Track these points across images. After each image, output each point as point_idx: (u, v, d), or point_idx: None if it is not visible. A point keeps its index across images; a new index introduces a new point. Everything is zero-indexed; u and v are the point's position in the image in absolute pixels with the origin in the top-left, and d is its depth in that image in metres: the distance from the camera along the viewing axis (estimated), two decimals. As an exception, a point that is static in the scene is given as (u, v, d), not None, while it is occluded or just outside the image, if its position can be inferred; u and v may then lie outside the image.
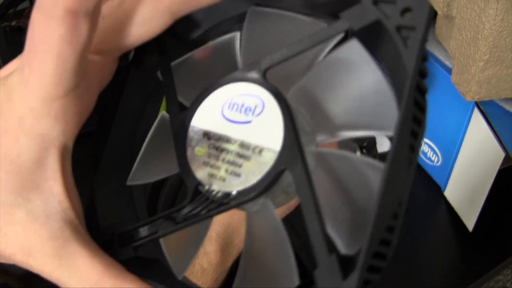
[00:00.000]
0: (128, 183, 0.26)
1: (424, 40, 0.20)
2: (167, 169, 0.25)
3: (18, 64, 0.22)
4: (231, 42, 0.25)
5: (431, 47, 0.49)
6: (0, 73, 0.23)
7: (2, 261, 0.22)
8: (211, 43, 0.26)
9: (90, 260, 0.21)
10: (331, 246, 0.20)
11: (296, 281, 0.21)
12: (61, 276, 0.21)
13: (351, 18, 0.21)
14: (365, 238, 0.18)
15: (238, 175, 0.22)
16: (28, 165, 0.21)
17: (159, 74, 0.25)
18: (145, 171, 0.26)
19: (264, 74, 0.22)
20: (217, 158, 0.22)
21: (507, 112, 0.45)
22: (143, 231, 0.23)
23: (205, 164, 0.22)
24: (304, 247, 0.27)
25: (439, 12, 0.46)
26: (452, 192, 0.51)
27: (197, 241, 0.25)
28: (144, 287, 0.22)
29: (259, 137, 0.22)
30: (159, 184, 0.43)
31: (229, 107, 0.23)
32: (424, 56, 0.21)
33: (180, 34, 0.26)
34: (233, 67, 0.25)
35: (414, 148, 0.21)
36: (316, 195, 0.20)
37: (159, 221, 0.23)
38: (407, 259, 0.47)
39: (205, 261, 0.38)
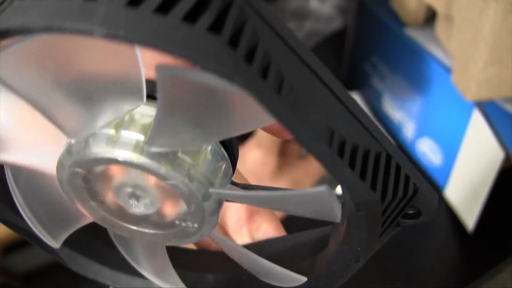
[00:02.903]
0: None
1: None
2: None
3: None
4: None
5: (431, 47, 0.49)
6: None
7: None
8: None
9: None
10: None
11: None
12: None
13: None
14: None
15: None
16: None
17: None
18: None
19: None
20: None
21: (507, 112, 0.45)
22: None
23: None
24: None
25: (439, 12, 0.46)
26: (452, 192, 0.51)
27: None
28: None
29: None
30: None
31: None
32: None
33: None
34: None
35: None
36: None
37: None
38: (407, 259, 0.47)
39: None
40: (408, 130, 0.55)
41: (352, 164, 0.18)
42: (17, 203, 0.24)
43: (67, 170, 0.20)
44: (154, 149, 0.19)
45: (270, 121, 0.16)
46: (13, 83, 0.17)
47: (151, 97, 0.19)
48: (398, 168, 0.20)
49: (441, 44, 0.48)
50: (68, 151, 0.20)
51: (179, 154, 0.19)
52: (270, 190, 0.20)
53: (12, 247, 0.52)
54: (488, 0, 0.38)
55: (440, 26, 0.48)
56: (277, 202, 0.20)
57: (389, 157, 0.20)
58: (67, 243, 0.25)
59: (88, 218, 0.24)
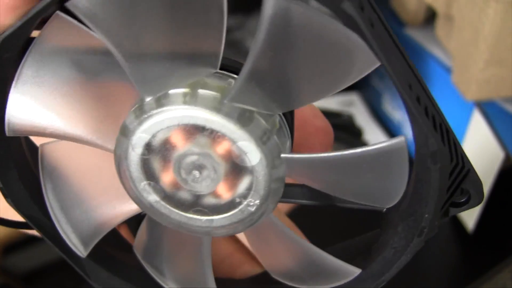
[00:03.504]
0: None
1: None
2: None
3: None
4: None
5: (431, 47, 0.49)
6: None
7: None
8: None
9: None
10: None
11: None
12: None
13: None
14: None
15: None
16: None
17: None
18: None
19: None
20: None
21: (507, 112, 0.45)
22: None
23: None
24: None
25: (439, 12, 0.46)
26: (452, 192, 0.51)
27: None
28: None
29: None
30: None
31: None
32: None
33: None
34: None
35: None
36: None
37: None
38: (407, 259, 0.47)
39: None
40: (408, 130, 0.55)
41: (426, 116, 0.19)
42: (47, 202, 0.23)
43: (130, 137, 0.20)
44: (234, 104, 0.19)
45: (355, 72, 0.18)
46: (106, 21, 0.17)
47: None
48: (455, 143, 0.21)
49: (441, 44, 0.48)
50: (137, 112, 0.19)
51: (256, 115, 0.19)
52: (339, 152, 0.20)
53: (12, 247, 0.52)
54: (488, 0, 0.38)
55: (440, 26, 0.48)
56: (351, 162, 0.20)
57: (447, 130, 0.21)
58: (92, 255, 0.24)
59: (121, 217, 0.24)
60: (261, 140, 0.19)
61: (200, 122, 0.19)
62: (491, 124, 0.44)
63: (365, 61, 0.18)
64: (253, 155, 0.19)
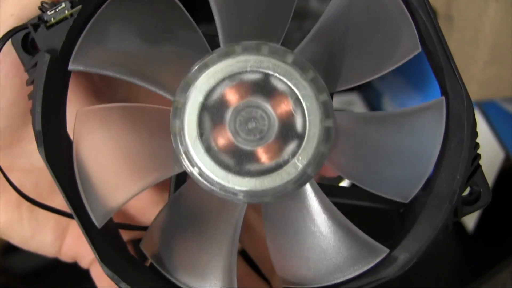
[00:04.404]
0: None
1: None
2: None
3: None
4: None
5: (431, 47, 0.49)
6: None
7: None
8: None
9: None
10: None
11: None
12: None
13: None
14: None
15: None
16: None
17: None
18: None
19: None
20: None
21: (507, 112, 0.45)
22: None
23: None
24: None
25: (439, 12, 0.46)
26: (452, 192, 0.51)
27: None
28: None
29: None
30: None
31: None
32: None
33: None
34: None
35: None
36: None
37: None
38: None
39: None
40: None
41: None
42: (75, 164, 0.23)
43: (194, 81, 0.21)
44: (301, 57, 0.21)
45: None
46: None
47: None
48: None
49: (441, 44, 0.48)
50: (207, 59, 0.21)
51: (317, 74, 0.22)
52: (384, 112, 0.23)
53: (12, 247, 0.52)
54: (488, 0, 0.38)
55: (440, 26, 0.48)
56: (395, 120, 0.23)
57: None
58: (105, 235, 0.24)
59: (142, 186, 0.24)
60: (321, 95, 0.21)
61: (267, 69, 0.21)
62: (491, 124, 0.44)
63: (410, 43, 0.22)
64: (311, 108, 0.21)
